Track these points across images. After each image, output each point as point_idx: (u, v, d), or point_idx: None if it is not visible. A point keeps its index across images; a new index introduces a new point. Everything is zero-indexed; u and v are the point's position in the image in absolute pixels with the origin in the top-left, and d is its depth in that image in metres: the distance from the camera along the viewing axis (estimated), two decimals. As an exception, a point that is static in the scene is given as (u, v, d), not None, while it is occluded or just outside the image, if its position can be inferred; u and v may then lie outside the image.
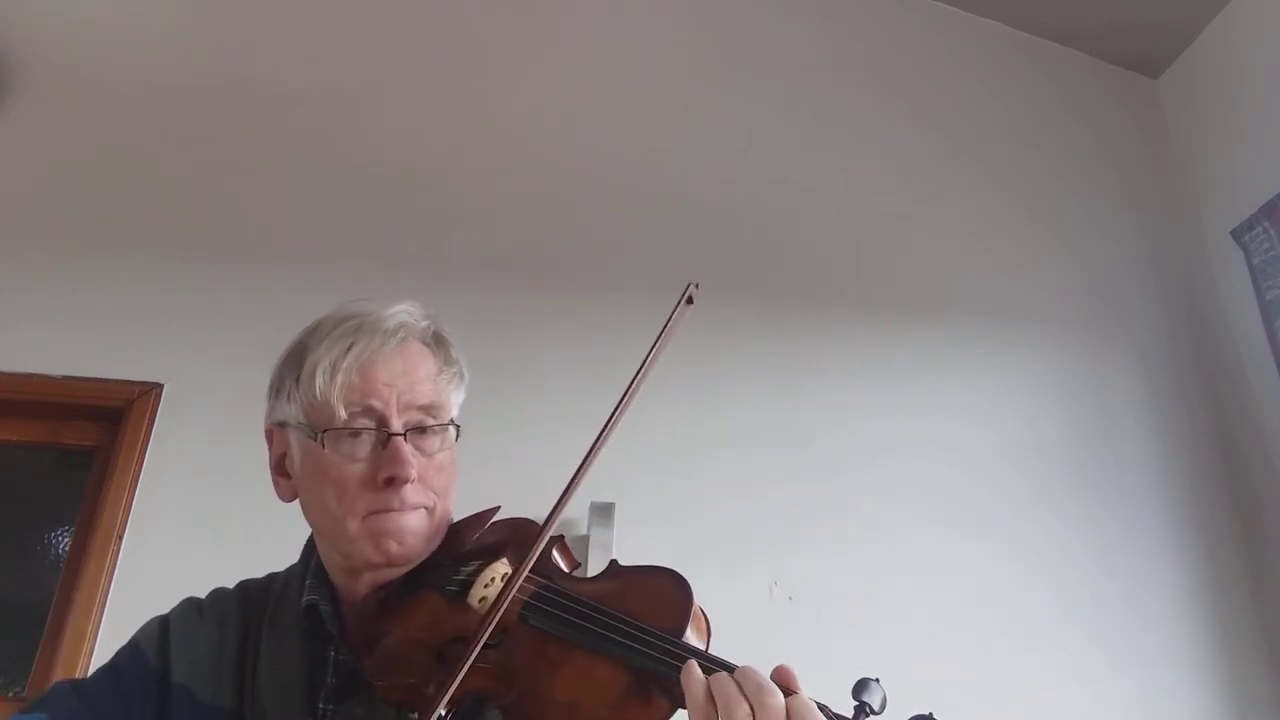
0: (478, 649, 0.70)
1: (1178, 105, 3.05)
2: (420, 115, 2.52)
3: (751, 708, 0.61)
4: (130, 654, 0.89)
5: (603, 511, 1.95)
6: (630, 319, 2.32)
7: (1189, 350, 2.71)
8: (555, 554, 0.85)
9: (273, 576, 0.96)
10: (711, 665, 0.66)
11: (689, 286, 0.79)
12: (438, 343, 0.94)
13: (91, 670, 1.75)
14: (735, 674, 0.64)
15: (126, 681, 0.87)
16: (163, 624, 0.92)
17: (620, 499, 1.95)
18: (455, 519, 0.93)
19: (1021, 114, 2.97)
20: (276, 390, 0.92)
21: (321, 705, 0.83)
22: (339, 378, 0.84)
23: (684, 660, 0.66)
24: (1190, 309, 2.78)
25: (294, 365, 0.90)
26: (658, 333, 0.76)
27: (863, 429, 2.38)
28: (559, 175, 2.52)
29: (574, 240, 2.45)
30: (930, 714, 0.62)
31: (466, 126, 2.53)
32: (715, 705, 0.62)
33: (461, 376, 0.95)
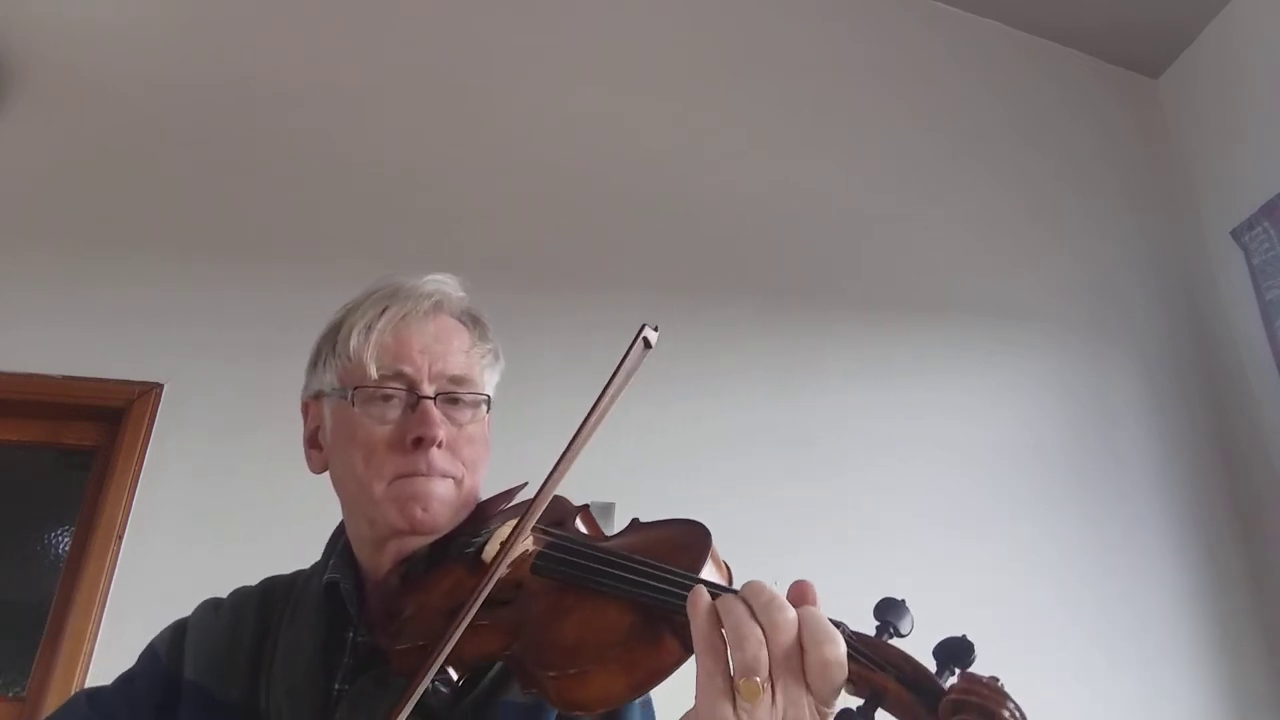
0: (483, 595, 0.68)
1: (1178, 105, 3.05)
2: (420, 115, 2.52)
3: (763, 628, 0.55)
4: (145, 658, 0.90)
5: (603, 511, 1.94)
6: (630, 319, 2.30)
7: (1189, 350, 2.71)
8: (579, 522, 0.84)
9: (299, 572, 0.96)
10: (722, 589, 0.60)
11: (643, 328, 0.75)
12: (473, 321, 0.94)
13: (93, 668, 1.76)
14: (743, 591, 0.58)
15: (139, 685, 0.87)
16: (179, 626, 0.92)
17: (620, 499, 1.95)
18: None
19: (1021, 114, 2.97)
20: (314, 362, 0.93)
21: (337, 686, 0.81)
22: (373, 337, 0.85)
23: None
24: (1190, 309, 2.78)
25: (331, 335, 0.90)
26: (610, 374, 0.72)
27: (863, 429, 2.38)
28: (559, 175, 2.52)
29: (574, 240, 2.45)
30: (964, 636, 0.56)
31: (466, 126, 2.53)
32: (724, 636, 0.56)
33: (496, 356, 0.94)
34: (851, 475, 2.31)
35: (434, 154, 2.47)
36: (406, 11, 2.66)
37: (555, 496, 0.87)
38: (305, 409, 0.95)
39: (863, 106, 2.84)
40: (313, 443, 0.93)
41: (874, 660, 0.55)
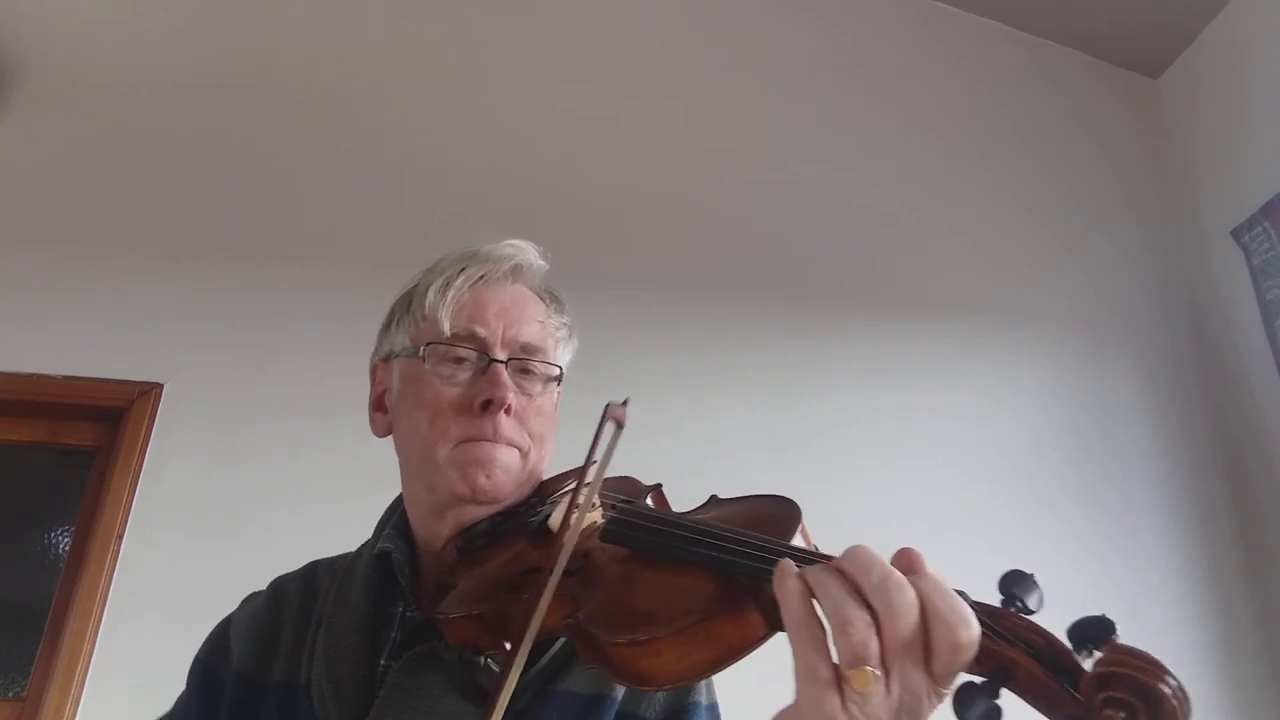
0: (563, 557, 0.62)
1: (1178, 105, 3.05)
2: (420, 115, 2.52)
3: (875, 611, 0.47)
4: (194, 668, 0.89)
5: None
6: (630, 318, 2.32)
7: (1189, 350, 2.71)
8: (650, 500, 0.82)
9: (346, 553, 0.93)
10: (814, 559, 0.53)
11: (608, 407, 0.69)
12: (551, 297, 0.93)
13: (93, 668, 1.76)
14: (844, 564, 0.49)
15: (189, 691, 0.87)
16: (223, 623, 0.91)
17: (620, 499, 1.95)
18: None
19: (1021, 114, 2.97)
20: (386, 324, 0.91)
21: (384, 662, 0.78)
22: (450, 293, 0.84)
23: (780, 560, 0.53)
24: (1190, 309, 2.78)
25: (406, 297, 0.90)
26: (586, 458, 0.69)
27: (862, 429, 2.38)
28: (558, 174, 2.52)
29: (574, 240, 2.45)
30: (1103, 615, 0.51)
31: (466, 126, 2.53)
32: (820, 620, 0.49)
33: (571, 332, 0.93)
34: (851, 475, 2.31)
35: (434, 154, 2.47)
36: (406, 12, 2.66)
37: (628, 477, 0.86)
38: (373, 372, 0.93)
39: (862, 106, 2.84)
40: (378, 406, 0.91)
41: (1003, 634, 0.48)
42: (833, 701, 0.47)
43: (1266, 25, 2.69)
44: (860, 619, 0.47)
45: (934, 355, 2.53)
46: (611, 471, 0.70)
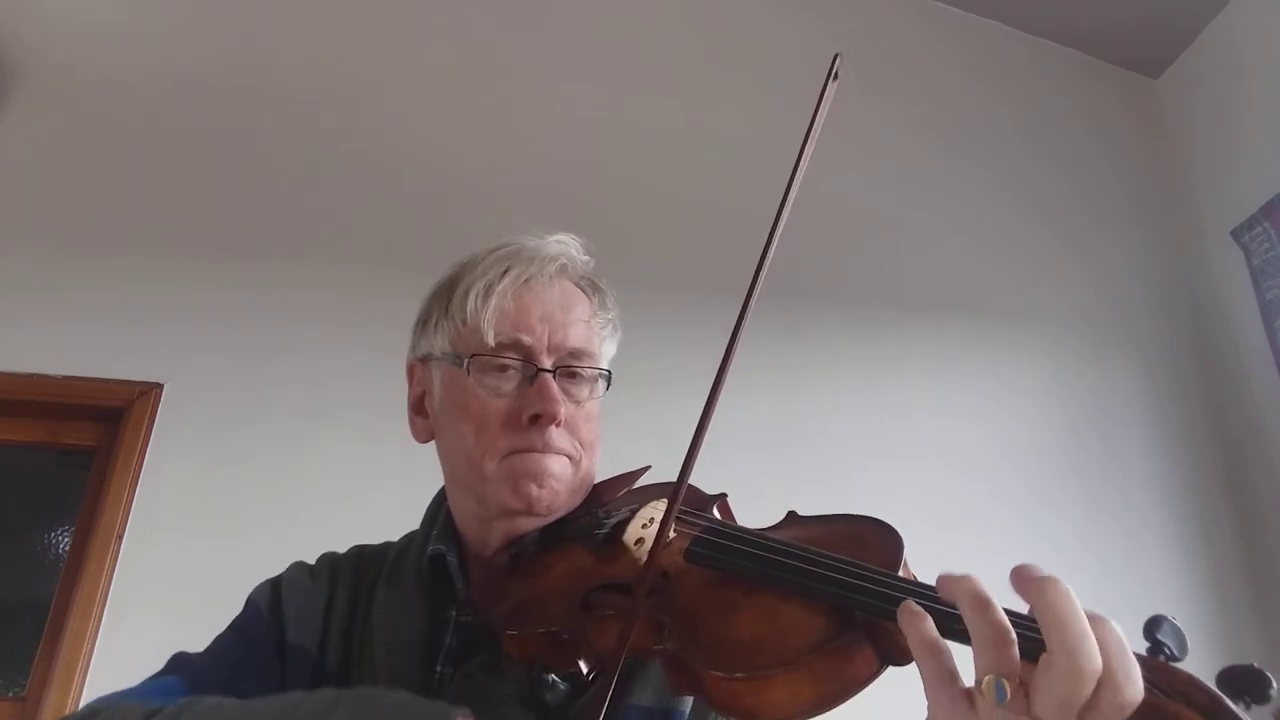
0: (648, 581, 0.59)
1: (1178, 105, 3.05)
2: (420, 115, 2.52)
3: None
4: (249, 616, 0.85)
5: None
6: (629, 318, 2.32)
7: (1189, 350, 2.71)
8: (716, 512, 0.78)
9: (390, 543, 0.91)
10: (933, 601, 0.51)
11: (836, 58, 0.67)
12: (594, 289, 0.89)
13: (93, 668, 1.76)
14: (1039, 585, 0.47)
15: (250, 637, 0.83)
16: (275, 585, 0.87)
17: (620, 499, 1.95)
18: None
19: (1021, 114, 2.97)
20: (423, 323, 0.86)
21: (440, 669, 0.75)
22: (493, 300, 0.79)
23: (902, 599, 0.51)
24: (1190, 309, 2.78)
25: (445, 295, 0.84)
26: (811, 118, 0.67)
27: (862, 429, 2.38)
28: (559, 175, 2.52)
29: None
30: (1254, 665, 0.49)
31: (467, 126, 2.53)
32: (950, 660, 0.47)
33: (615, 327, 0.89)
34: (852, 475, 2.31)
35: (434, 153, 2.47)
36: (407, 12, 2.66)
37: (691, 486, 0.80)
38: (410, 372, 0.89)
39: (863, 106, 2.84)
40: (418, 409, 0.87)
41: (1164, 689, 0.47)
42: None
43: (1266, 25, 2.69)
44: (1007, 639, 0.46)
45: (934, 355, 2.53)
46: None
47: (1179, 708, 0.46)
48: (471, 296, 0.80)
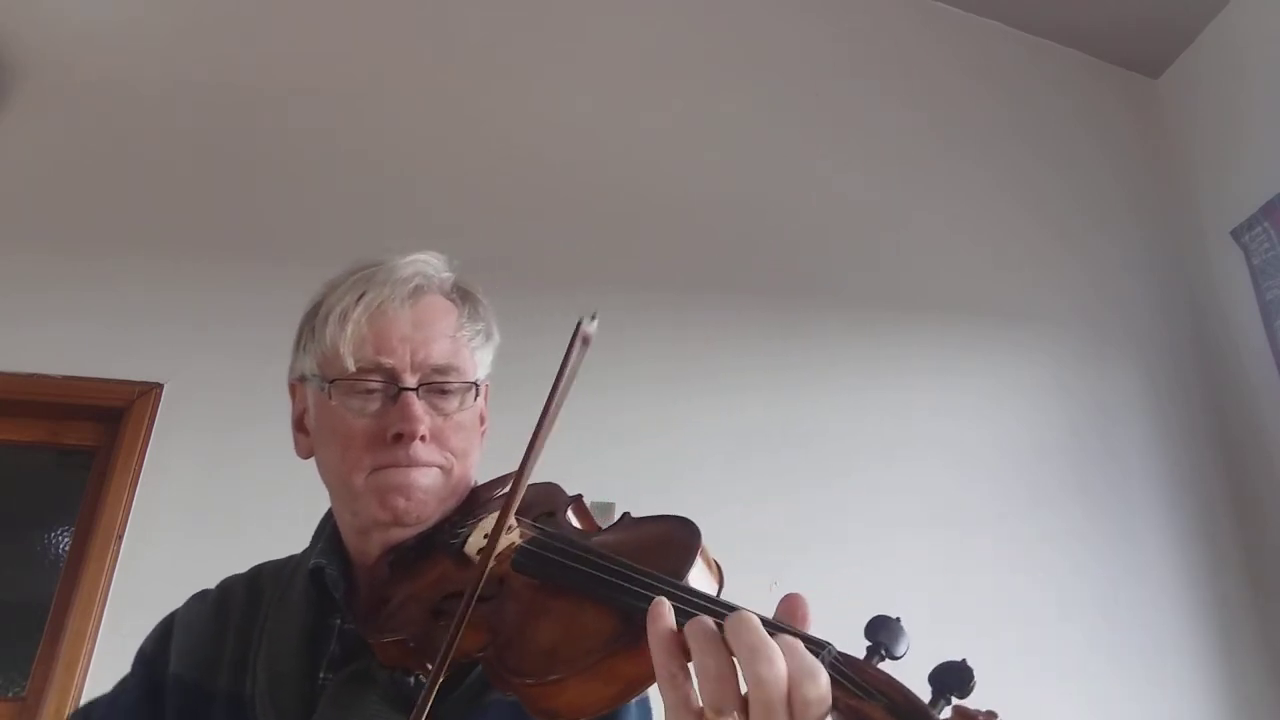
0: (474, 597, 0.64)
1: (1178, 105, 3.05)
2: (419, 115, 2.52)
3: (744, 672, 0.50)
4: (135, 661, 0.90)
5: (602, 511, 1.95)
6: (629, 318, 2.32)
7: (1189, 350, 2.71)
8: (571, 513, 0.81)
9: (291, 557, 0.93)
10: (697, 605, 0.55)
11: (580, 322, 0.71)
12: (462, 297, 0.88)
13: (93, 668, 1.76)
14: (727, 626, 0.51)
15: (127, 685, 0.87)
16: (168, 618, 0.91)
17: (620, 499, 1.95)
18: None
19: (1021, 114, 2.97)
20: (296, 343, 0.89)
21: (323, 675, 0.79)
22: (349, 327, 0.80)
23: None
24: (1190, 309, 2.78)
25: (310, 318, 0.87)
26: (555, 378, 0.70)
27: (862, 429, 2.38)
28: (559, 175, 2.52)
29: (574, 239, 2.45)
30: (964, 661, 0.52)
31: (467, 126, 2.53)
32: (684, 664, 0.51)
33: (488, 336, 0.89)
34: (851, 475, 2.31)
35: (434, 153, 2.47)
36: (406, 12, 2.66)
37: (550, 486, 0.85)
38: (292, 390, 0.92)
39: (862, 106, 2.84)
40: (299, 426, 0.90)
41: (861, 687, 0.50)
42: None
43: (1266, 25, 2.69)
44: (724, 675, 0.50)
45: (934, 355, 2.53)
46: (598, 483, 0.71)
47: (873, 708, 0.50)
48: (330, 323, 0.82)
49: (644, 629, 0.55)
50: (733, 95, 2.77)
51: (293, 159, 2.38)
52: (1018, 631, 2.22)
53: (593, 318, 0.71)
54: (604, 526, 0.80)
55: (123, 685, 0.88)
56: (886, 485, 2.31)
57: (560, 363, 0.70)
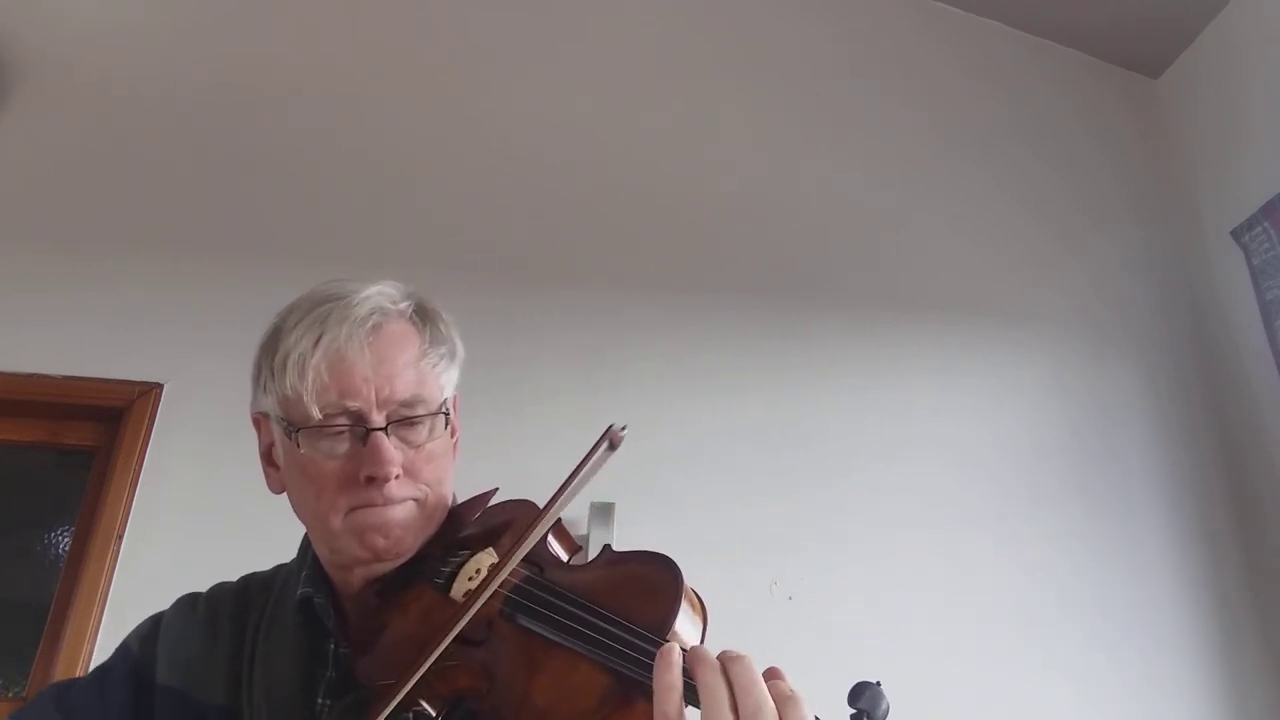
0: (443, 646, 0.66)
1: (1178, 105, 3.05)
2: (420, 115, 2.52)
3: (734, 702, 0.56)
4: (119, 653, 0.89)
5: (602, 511, 1.95)
6: (630, 318, 2.32)
7: (1189, 350, 2.71)
8: (552, 539, 0.80)
9: (279, 568, 0.93)
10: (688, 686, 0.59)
11: (609, 429, 0.73)
12: (423, 320, 0.87)
13: (93, 667, 1.76)
14: (729, 667, 0.58)
15: (110, 680, 0.86)
16: (155, 621, 0.90)
17: (620, 499, 1.95)
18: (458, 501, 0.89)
19: (1021, 114, 2.97)
20: (255, 378, 0.86)
21: (320, 700, 0.80)
22: (309, 375, 0.78)
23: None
24: (1190, 309, 2.78)
25: (269, 351, 0.84)
26: (573, 470, 0.72)
27: (862, 429, 2.38)
28: (559, 175, 2.52)
29: (574, 240, 2.45)
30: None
31: (467, 126, 2.53)
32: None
33: (452, 355, 0.88)
34: (851, 475, 2.31)
35: (434, 154, 2.47)
36: (407, 12, 2.66)
37: (526, 505, 0.85)
38: (256, 424, 0.89)
39: (862, 106, 2.84)
40: (269, 460, 0.88)
41: None
42: None
43: (1266, 25, 2.69)
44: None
45: (934, 355, 2.53)
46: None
47: None
48: (290, 369, 0.79)
49: (635, 687, 0.61)
50: (733, 95, 2.77)
51: (293, 159, 2.38)
52: (1018, 631, 2.22)
53: (623, 428, 0.73)
54: (606, 538, 0.80)
55: (103, 675, 0.87)
56: (886, 485, 2.31)
57: (581, 458, 0.72)
